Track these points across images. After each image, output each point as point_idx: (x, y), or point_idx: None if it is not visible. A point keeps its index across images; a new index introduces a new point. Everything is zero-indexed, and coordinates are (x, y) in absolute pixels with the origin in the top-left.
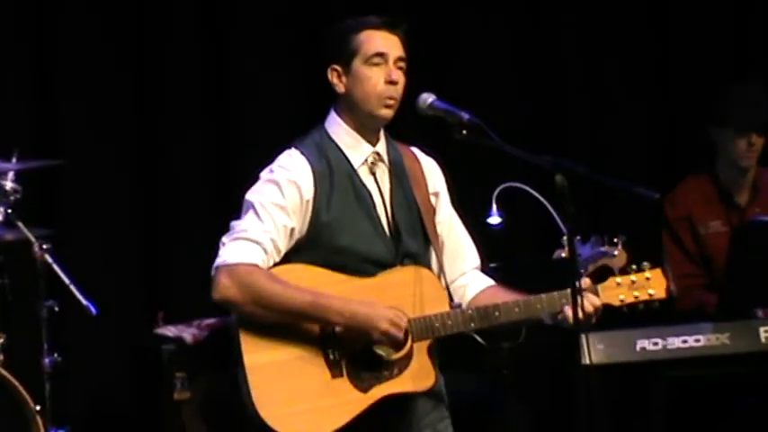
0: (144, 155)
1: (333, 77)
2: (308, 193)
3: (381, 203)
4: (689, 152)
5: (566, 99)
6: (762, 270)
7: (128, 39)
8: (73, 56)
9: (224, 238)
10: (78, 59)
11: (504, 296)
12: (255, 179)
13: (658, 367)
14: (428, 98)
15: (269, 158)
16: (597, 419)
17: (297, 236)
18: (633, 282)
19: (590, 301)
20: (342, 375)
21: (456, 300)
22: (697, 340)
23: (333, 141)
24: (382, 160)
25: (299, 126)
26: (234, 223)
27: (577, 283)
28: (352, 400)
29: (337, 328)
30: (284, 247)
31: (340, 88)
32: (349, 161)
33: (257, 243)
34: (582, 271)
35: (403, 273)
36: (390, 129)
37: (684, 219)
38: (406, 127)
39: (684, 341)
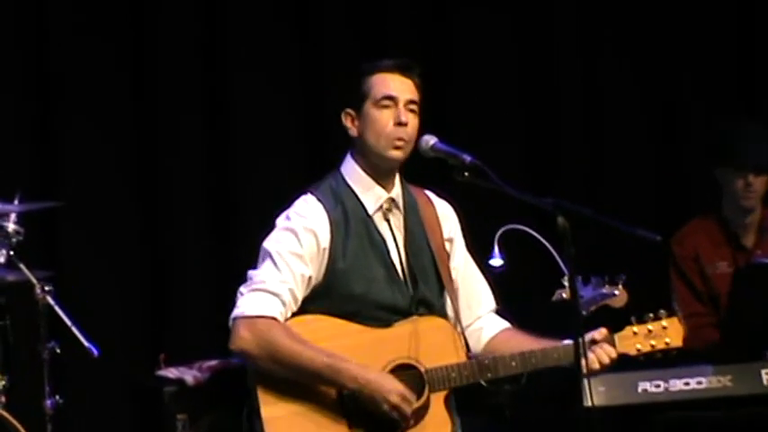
0: (146, 198)
1: (346, 121)
2: (325, 240)
3: (396, 250)
4: (697, 194)
5: (567, 137)
6: (764, 312)
7: (128, 76)
8: (75, 99)
9: (242, 288)
10: (81, 104)
11: (519, 339)
12: (272, 227)
13: (660, 409)
14: (430, 140)
15: (270, 197)
16: None
17: (314, 283)
18: (650, 331)
19: (606, 352)
20: (359, 427)
21: (472, 344)
22: (699, 382)
23: (348, 187)
24: (397, 206)
25: (298, 144)
26: (251, 273)
27: (585, 334)
28: None
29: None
30: (302, 295)
31: (353, 132)
32: (364, 207)
33: (275, 295)
34: (584, 313)
35: (419, 323)
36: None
37: (692, 258)
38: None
39: (686, 383)
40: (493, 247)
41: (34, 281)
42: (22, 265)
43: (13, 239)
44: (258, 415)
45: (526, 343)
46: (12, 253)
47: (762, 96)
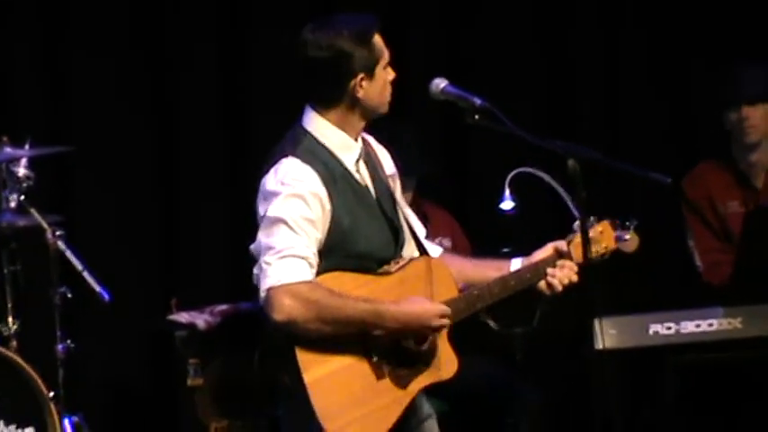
0: (158, 140)
1: (358, 87)
2: (328, 202)
3: (375, 199)
4: (707, 138)
5: (579, 87)
6: None
7: (143, 30)
8: (86, 43)
9: (266, 258)
10: (91, 47)
11: (461, 262)
12: (258, 190)
13: (671, 351)
14: (441, 83)
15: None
16: (610, 404)
17: (320, 246)
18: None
19: (569, 267)
20: (384, 376)
21: None
22: (710, 324)
23: (322, 145)
24: (363, 156)
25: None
26: (265, 242)
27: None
28: (396, 399)
29: (377, 332)
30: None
31: (359, 93)
32: (341, 163)
33: (304, 258)
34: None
35: (418, 265)
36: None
37: (704, 198)
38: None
39: (697, 325)
40: (504, 191)
41: (45, 226)
42: (33, 210)
43: (24, 184)
44: (300, 381)
45: (468, 265)
46: (23, 198)
47: None
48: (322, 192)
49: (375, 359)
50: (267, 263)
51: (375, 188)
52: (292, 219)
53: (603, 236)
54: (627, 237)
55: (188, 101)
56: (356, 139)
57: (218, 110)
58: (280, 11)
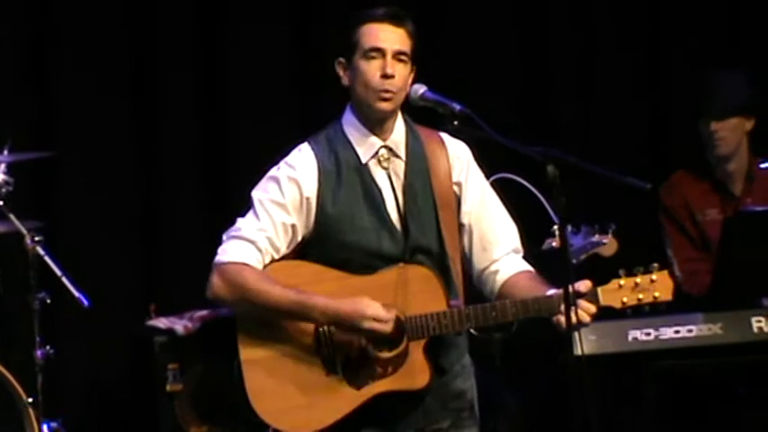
0: (137, 146)
1: (339, 70)
2: (310, 190)
3: (393, 198)
4: (682, 148)
5: (556, 89)
6: (752, 260)
7: (123, 33)
8: (68, 47)
9: (224, 235)
10: (74, 51)
11: (528, 286)
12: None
13: (650, 357)
14: (419, 89)
15: (261, 149)
16: (589, 409)
17: (302, 231)
18: (637, 284)
19: (584, 309)
20: (337, 372)
21: (488, 287)
22: (689, 330)
23: (344, 135)
24: (396, 154)
25: (291, 97)
26: (238, 220)
27: (571, 287)
28: (345, 397)
29: (332, 327)
30: (284, 243)
31: (345, 81)
32: (357, 156)
33: (251, 242)
34: (574, 261)
35: (403, 271)
36: None
37: (682, 206)
38: None
39: (677, 331)
40: None
41: (24, 231)
42: (11, 216)
43: (3, 190)
44: (237, 357)
45: (534, 290)
46: (1, 203)
47: (748, 48)
48: (307, 178)
49: (327, 354)
50: (223, 240)
51: (403, 187)
52: (260, 201)
53: (656, 285)
54: (605, 241)
55: (170, 107)
56: (382, 136)
57: (201, 115)
58: (258, 9)
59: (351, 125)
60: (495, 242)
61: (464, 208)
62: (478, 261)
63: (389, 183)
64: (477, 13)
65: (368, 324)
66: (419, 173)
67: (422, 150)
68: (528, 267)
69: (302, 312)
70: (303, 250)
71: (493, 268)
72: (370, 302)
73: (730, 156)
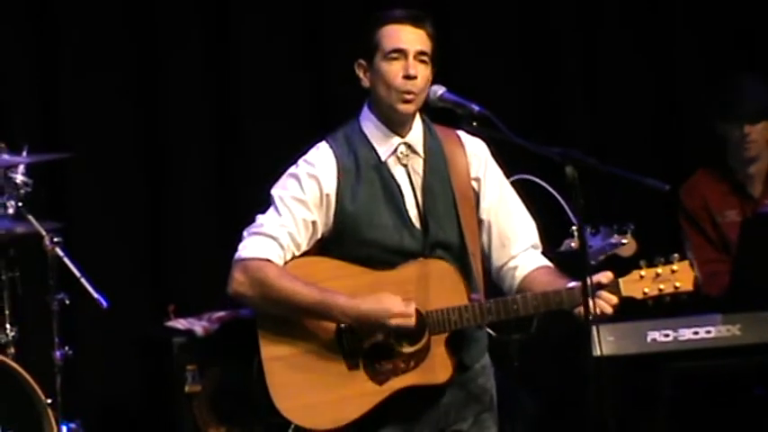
0: (153, 148)
1: (359, 72)
2: (329, 187)
3: (412, 195)
4: (697, 147)
5: (573, 92)
6: None
7: (134, 35)
8: (82, 50)
9: (245, 232)
10: (87, 54)
11: (548, 280)
12: (282, 174)
13: (669, 358)
14: (438, 90)
15: (275, 149)
16: (607, 410)
17: (322, 229)
18: (658, 274)
19: (605, 300)
20: (358, 368)
21: (507, 283)
22: (708, 331)
23: (363, 134)
24: (414, 151)
25: (303, 88)
26: (258, 217)
27: (589, 279)
28: (367, 393)
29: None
30: (305, 240)
31: (365, 83)
32: (377, 154)
33: (273, 238)
34: (593, 262)
35: (423, 266)
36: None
37: (701, 207)
38: None
39: (695, 332)
40: None
41: (43, 232)
42: (30, 217)
43: (22, 191)
44: (258, 355)
45: (553, 284)
46: (20, 205)
47: (762, 52)
48: (326, 175)
49: (349, 349)
50: (244, 236)
51: (422, 184)
52: (281, 198)
53: (677, 275)
54: (624, 241)
55: (184, 109)
56: (401, 133)
57: (214, 117)
58: (268, 15)
59: (369, 123)
60: (514, 238)
61: (483, 204)
62: (497, 257)
63: (408, 179)
64: (480, 15)
65: (392, 321)
66: (438, 169)
67: (440, 147)
68: (547, 263)
69: (323, 311)
70: (323, 247)
71: (512, 264)
72: (392, 297)
73: (757, 158)
